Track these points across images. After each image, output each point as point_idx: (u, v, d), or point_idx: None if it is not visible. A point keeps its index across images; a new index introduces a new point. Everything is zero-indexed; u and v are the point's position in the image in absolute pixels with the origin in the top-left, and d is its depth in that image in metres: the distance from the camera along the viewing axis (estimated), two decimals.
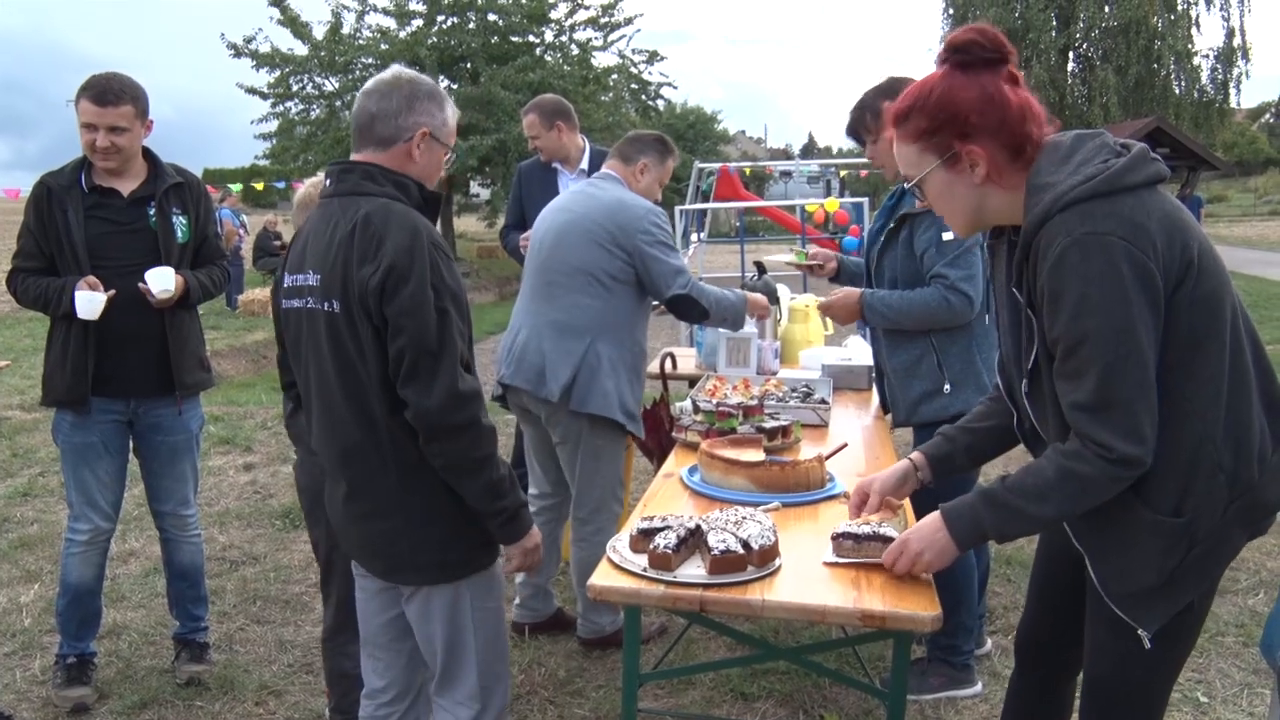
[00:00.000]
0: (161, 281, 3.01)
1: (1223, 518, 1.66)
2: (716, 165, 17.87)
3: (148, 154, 3.16)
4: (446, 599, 2.12)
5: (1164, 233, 1.59)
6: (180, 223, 3.16)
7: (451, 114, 2.16)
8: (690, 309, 3.33)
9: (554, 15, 21.56)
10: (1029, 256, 1.67)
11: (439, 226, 2.23)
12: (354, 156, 2.10)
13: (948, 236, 2.89)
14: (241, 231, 16.79)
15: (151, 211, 3.10)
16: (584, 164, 4.39)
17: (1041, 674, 2.12)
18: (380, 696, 2.33)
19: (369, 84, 2.10)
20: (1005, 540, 1.87)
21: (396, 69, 2.13)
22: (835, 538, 2.01)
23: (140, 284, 3.00)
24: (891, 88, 2.96)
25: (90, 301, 2.92)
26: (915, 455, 2.10)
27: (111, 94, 2.96)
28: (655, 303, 3.45)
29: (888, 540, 1.92)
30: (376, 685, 2.34)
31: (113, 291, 2.96)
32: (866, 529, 1.97)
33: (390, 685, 2.31)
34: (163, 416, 3.21)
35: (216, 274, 3.28)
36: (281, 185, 17.56)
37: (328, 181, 2.11)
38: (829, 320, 3.90)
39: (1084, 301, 1.57)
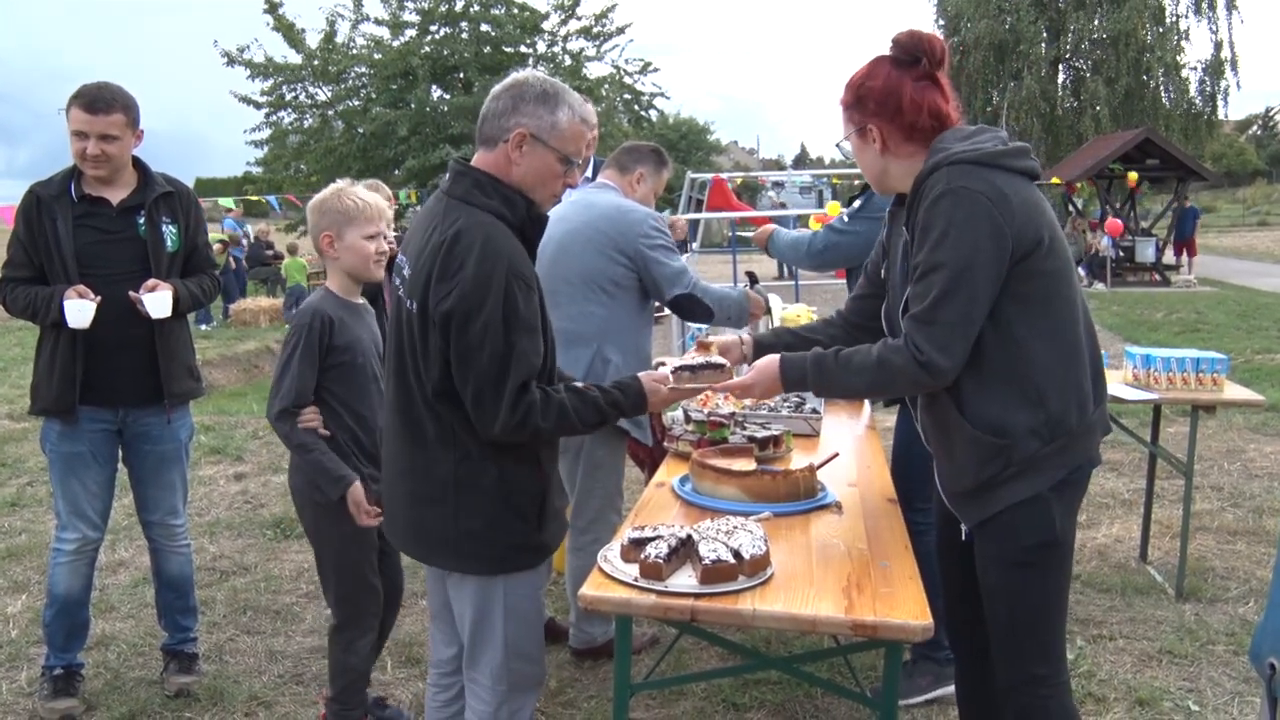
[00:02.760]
0: (160, 308, 3.01)
1: (1039, 451, 1.99)
2: (709, 176, 17.89)
3: (137, 163, 3.15)
4: (480, 585, 2.16)
5: (1024, 211, 1.95)
6: (170, 232, 3.15)
7: (566, 116, 2.08)
8: (694, 308, 3.35)
9: (546, 25, 21.62)
10: (917, 197, 2.03)
11: None
12: (474, 158, 2.14)
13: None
14: (244, 240, 16.87)
15: (141, 220, 3.09)
16: (589, 171, 4.39)
17: (971, 651, 2.33)
18: (444, 666, 2.39)
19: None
20: (820, 395, 2.49)
21: (525, 71, 2.13)
22: (674, 371, 2.31)
23: (131, 293, 2.99)
24: None
25: (80, 310, 2.91)
26: (745, 336, 2.57)
27: (103, 102, 2.96)
28: (656, 312, 3.46)
29: (717, 366, 2.32)
30: (443, 655, 2.39)
31: (99, 298, 2.95)
32: (699, 360, 2.34)
33: (456, 657, 2.36)
34: (151, 425, 3.19)
35: (207, 283, 3.27)
36: (274, 200, 17.51)
37: (446, 177, 2.15)
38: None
39: (944, 238, 1.93)
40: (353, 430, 2.73)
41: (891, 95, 2.08)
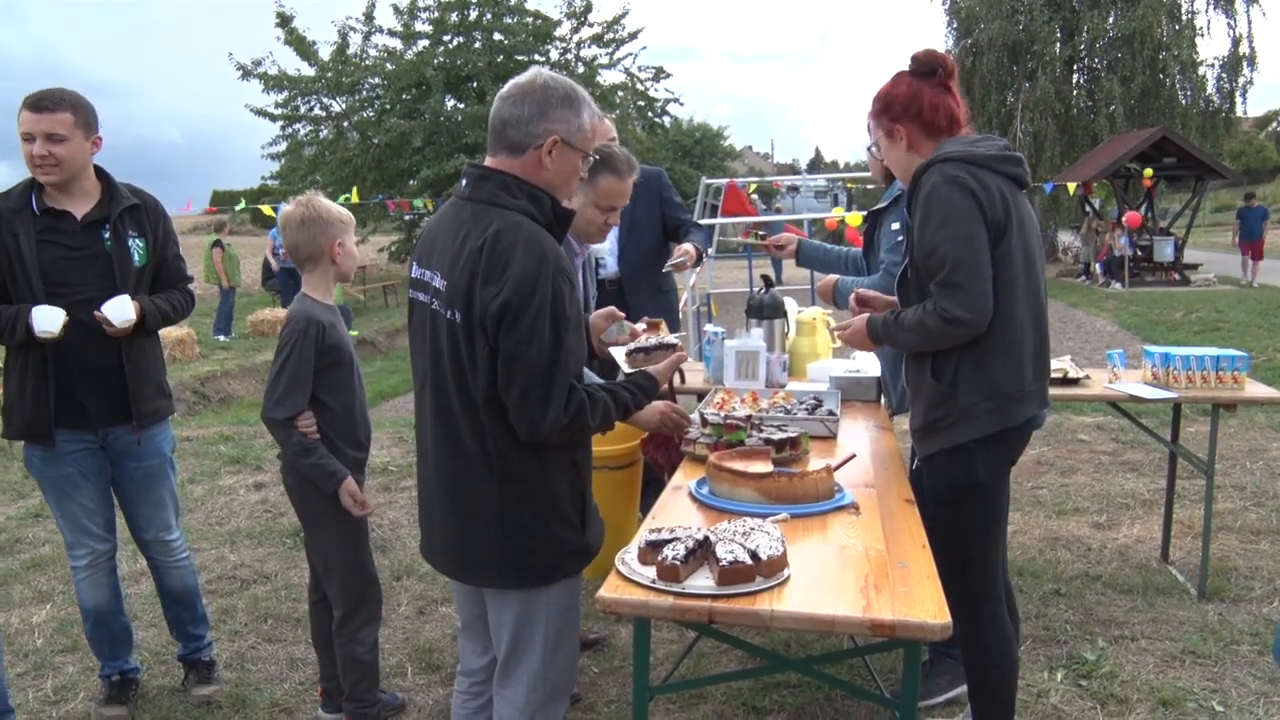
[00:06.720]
0: (121, 312, 2.90)
1: (977, 406, 2.45)
2: (724, 181, 17.90)
3: (101, 174, 3.04)
4: (523, 598, 2.15)
5: (1001, 203, 2.40)
6: (137, 246, 3.04)
7: (589, 118, 2.12)
8: None
9: (558, 33, 21.68)
10: (915, 187, 2.47)
11: None
12: (487, 161, 2.12)
13: (894, 227, 3.32)
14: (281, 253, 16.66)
15: (106, 235, 2.98)
16: None
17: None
18: (476, 675, 2.40)
19: (505, 88, 2.11)
20: (895, 348, 2.75)
21: (535, 71, 2.12)
22: (629, 354, 2.42)
23: (96, 312, 2.88)
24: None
25: (50, 316, 2.80)
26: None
27: (49, 100, 2.84)
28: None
29: (670, 347, 2.46)
30: (474, 665, 2.39)
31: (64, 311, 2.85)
32: (652, 341, 2.46)
33: (488, 666, 2.36)
34: (131, 444, 3.12)
35: (178, 298, 3.17)
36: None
37: (463, 183, 2.13)
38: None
39: (945, 219, 2.37)
40: (343, 422, 2.87)
41: (914, 99, 2.56)
